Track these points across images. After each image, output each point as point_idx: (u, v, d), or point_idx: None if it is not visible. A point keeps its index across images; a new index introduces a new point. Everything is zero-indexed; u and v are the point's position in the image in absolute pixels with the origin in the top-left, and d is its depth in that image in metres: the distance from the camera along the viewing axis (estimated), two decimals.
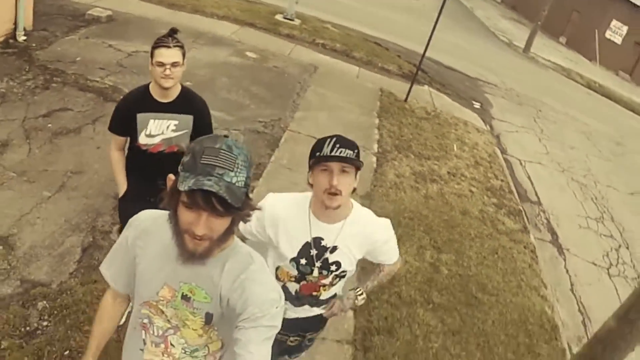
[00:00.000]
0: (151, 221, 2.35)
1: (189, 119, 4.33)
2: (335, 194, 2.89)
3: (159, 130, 4.28)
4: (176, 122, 4.29)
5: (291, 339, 3.51)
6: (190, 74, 9.33)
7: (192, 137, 4.35)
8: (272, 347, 2.88)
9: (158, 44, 4.03)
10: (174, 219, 2.07)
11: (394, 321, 5.87)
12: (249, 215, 2.11)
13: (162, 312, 2.33)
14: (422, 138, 11.20)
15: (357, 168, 2.96)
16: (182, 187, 1.89)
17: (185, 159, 2.02)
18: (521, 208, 10.10)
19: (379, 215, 3.27)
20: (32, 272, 4.97)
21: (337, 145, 2.84)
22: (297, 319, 3.39)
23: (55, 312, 4.66)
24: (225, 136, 2.05)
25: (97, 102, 7.96)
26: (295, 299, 3.35)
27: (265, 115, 9.36)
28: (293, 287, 3.30)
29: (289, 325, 3.16)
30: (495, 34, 33.79)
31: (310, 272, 3.21)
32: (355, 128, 10.28)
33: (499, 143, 13.36)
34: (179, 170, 2.01)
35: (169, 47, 3.98)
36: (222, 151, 1.96)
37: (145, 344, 2.45)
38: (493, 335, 6.33)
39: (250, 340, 2.11)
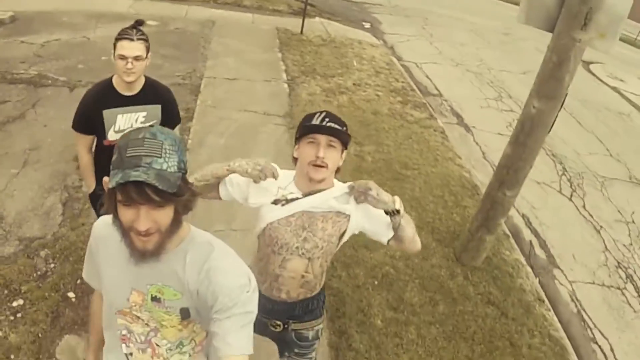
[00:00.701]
0: (105, 227, 2.25)
1: (156, 108, 4.25)
2: (321, 166, 2.85)
3: (128, 124, 4.18)
4: (144, 114, 4.21)
5: (271, 322, 3.35)
6: (104, 50, 9.95)
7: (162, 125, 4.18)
8: (257, 329, 3.17)
9: (121, 36, 3.91)
10: (117, 220, 2.01)
11: None
12: (192, 202, 2.06)
13: (138, 317, 2.28)
14: (324, 61, 12.16)
15: (344, 145, 2.93)
16: (111, 183, 1.85)
17: (114, 157, 1.94)
18: (425, 101, 11.18)
19: None
20: (26, 232, 5.66)
21: (327, 119, 2.83)
22: (278, 306, 3.27)
23: (57, 255, 5.39)
24: (151, 126, 1.98)
25: (29, 90, 8.51)
26: None
27: (180, 69, 10.04)
28: None
29: (270, 312, 3.27)
30: None
31: None
32: (262, 64, 11.21)
33: (394, 53, 14.35)
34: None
35: (131, 40, 3.86)
36: (146, 140, 1.90)
37: (131, 354, 2.42)
38: (423, 198, 7.47)
39: (226, 332, 2.08)
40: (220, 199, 3.15)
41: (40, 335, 4.56)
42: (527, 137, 5.67)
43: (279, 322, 3.34)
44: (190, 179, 2.88)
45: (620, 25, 5.11)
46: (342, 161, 2.97)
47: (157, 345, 2.33)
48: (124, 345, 2.40)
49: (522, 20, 5.41)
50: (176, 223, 2.05)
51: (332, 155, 2.86)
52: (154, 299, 2.21)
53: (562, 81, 5.30)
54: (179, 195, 1.94)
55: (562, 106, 5.52)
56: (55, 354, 4.44)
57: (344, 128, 2.87)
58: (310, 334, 3.45)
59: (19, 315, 4.69)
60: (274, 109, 9.40)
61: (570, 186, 9.39)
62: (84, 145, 4.26)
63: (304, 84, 10.57)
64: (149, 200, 1.87)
